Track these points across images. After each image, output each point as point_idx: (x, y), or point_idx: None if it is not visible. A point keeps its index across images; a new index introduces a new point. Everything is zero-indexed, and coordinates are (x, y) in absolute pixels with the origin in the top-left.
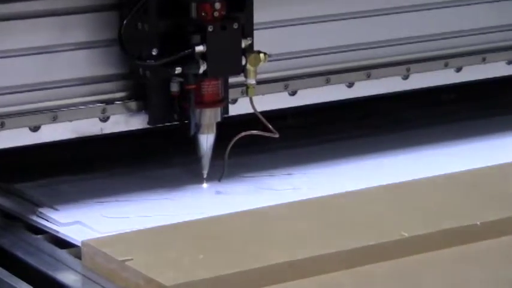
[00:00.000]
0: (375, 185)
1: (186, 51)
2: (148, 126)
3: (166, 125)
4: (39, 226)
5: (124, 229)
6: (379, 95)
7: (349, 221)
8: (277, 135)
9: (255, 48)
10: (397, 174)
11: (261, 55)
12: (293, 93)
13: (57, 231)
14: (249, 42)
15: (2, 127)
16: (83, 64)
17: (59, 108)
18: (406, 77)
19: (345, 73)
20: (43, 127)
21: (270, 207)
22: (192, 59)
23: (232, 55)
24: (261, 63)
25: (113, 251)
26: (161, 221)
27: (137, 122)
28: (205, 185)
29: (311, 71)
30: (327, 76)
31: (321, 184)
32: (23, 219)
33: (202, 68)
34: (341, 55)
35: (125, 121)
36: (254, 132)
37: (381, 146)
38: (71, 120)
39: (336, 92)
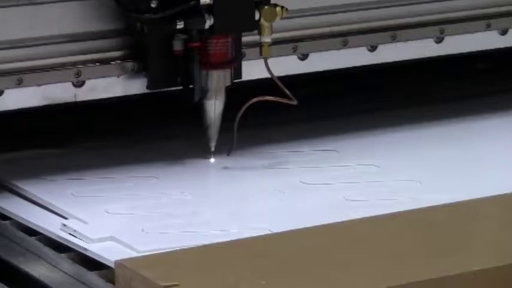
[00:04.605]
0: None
1: (190, 2)
2: (147, 91)
3: (168, 90)
4: (63, 242)
5: (166, 247)
6: (407, 61)
7: (449, 241)
8: (295, 102)
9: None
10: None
11: (278, 9)
12: (303, 57)
13: (86, 249)
14: None
15: None
16: (72, 19)
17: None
18: (439, 40)
19: (366, 34)
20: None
21: (346, 222)
22: (196, 12)
23: (244, 8)
24: (278, 18)
25: (153, 275)
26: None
27: (134, 86)
28: (212, 159)
29: (325, 31)
30: (344, 37)
31: (334, 161)
32: (43, 233)
33: (209, 22)
34: (361, 13)
35: (120, 84)
36: (268, 97)
37: (408, 120)
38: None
39: (355, 56)
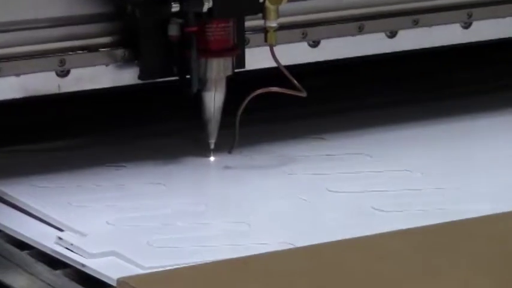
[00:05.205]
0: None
1: None
2: (139, 81)
3: (162, 81)
4: (58, 257)
5: (176, 263)
6: (430, 48)
7: (487, 258)
8: (304, 94)
9: None
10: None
11: None
12: (314, 44)
13: (84, 265)
14: None
15: None
16: (55, 0)
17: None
18: (467, 26)
19: (384, 19)
20: None
21: (375, 236)
22: None
23: None
24: (285, 1)
25: None
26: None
27: (125, 76)
28: (212, 158)
29: (338, 15)
30: (359, 22)
31: (352, 163)
32: (36, 247)
33: (207, 5)
34: None
35: (109, 74)
36: (275, 89)
37: (438, 115)
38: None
39: (371, 43)
